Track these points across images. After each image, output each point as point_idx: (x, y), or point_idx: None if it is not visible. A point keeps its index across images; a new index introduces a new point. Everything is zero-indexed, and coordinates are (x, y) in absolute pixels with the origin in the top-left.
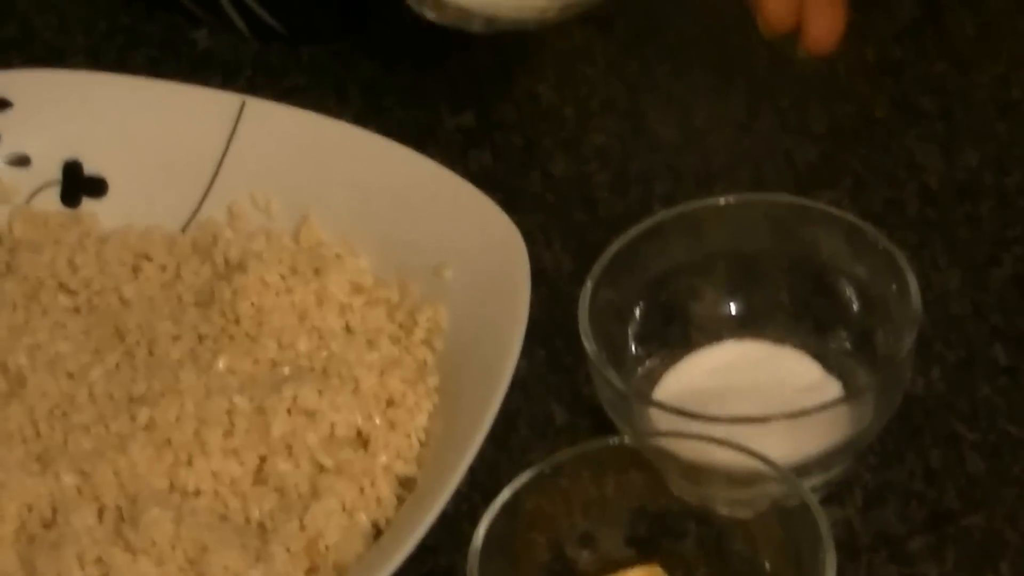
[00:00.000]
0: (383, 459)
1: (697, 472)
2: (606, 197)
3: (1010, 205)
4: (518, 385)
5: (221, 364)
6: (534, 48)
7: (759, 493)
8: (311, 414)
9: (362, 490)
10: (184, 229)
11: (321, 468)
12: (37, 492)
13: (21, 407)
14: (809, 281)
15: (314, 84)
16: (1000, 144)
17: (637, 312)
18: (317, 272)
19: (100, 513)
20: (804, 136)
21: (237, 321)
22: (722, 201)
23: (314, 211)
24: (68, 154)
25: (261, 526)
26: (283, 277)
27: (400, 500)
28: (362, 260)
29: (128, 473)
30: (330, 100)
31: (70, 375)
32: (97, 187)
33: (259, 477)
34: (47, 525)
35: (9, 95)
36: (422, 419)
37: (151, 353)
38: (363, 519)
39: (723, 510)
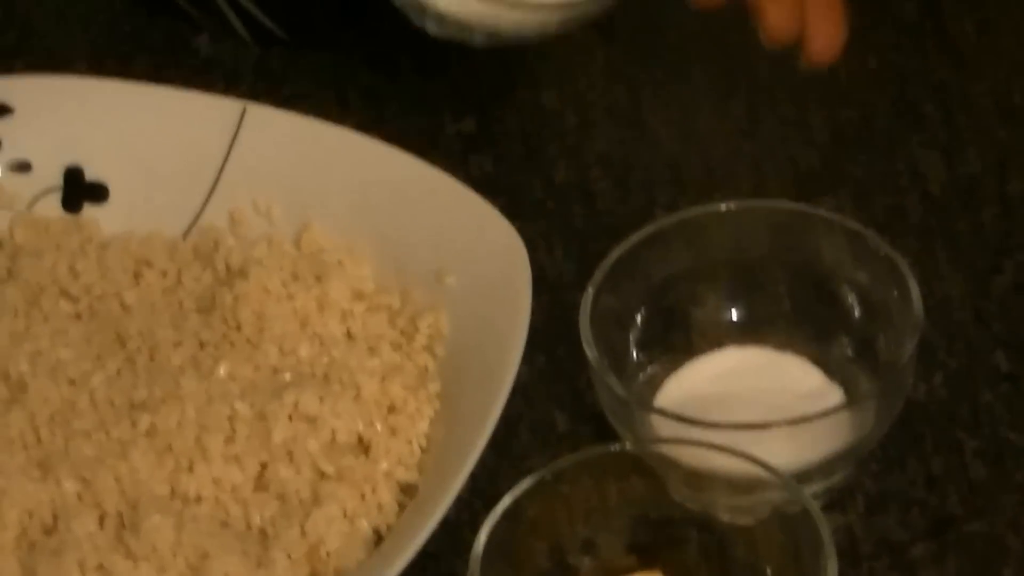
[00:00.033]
0: (384, 465)
1: (699, 479)
2: (608, 203)
3: (1012, 212)
4: (519, 391)
5: (222, 370)
6: (536, 55)
7: (760, 500)
8: (312, 420)
9: (363, 496)
10: (185, 235)
11: (322, 474)
12: (38, 498)
13: (22, 413)
14: (811, 287)
15: (316, 90)
16: (1002, 151)
17: (638, 318)
18: (318, 278)
19: (101, 520)
20: (806, 142)
21: (238, 327)
22: (723, 207)
23: (315, 217)
24: (69, 160)
25: (262, 532)
26: (284, 283)
27: (401, 506)
28: (363, 266)
29: (129, 479)
30: (332, 106)
31: (71, 381)
32: (98, 193)
33: (260, 483)
34: (48, 532)
35: (10, 101)
36: (423, 425)
37: (152, 359)
38: (364, 525)
39: (725, 517)
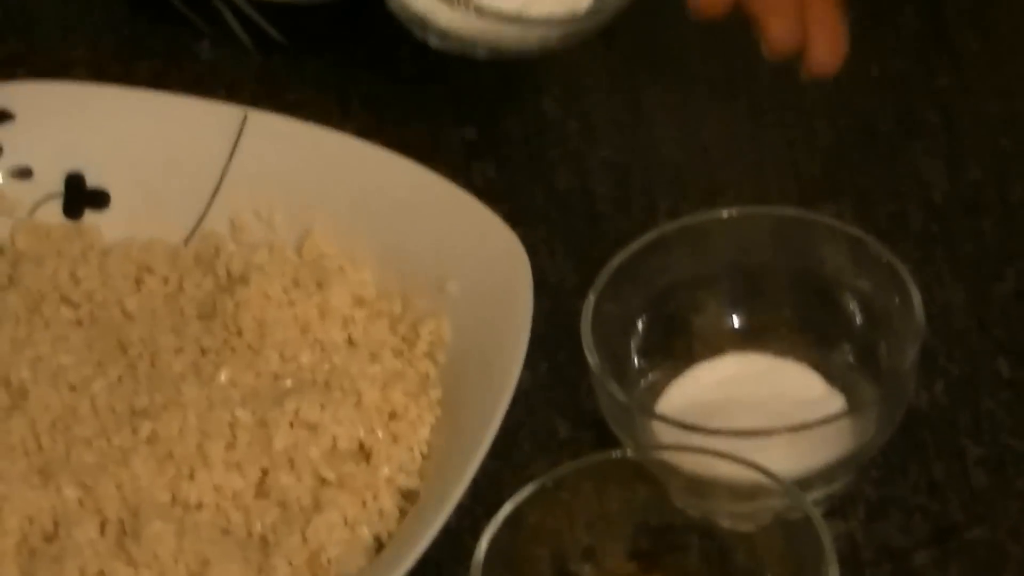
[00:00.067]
0: (385, 472)
1: (700, 485)
2: (609, 210)
3: (1014, 219)
4: (521, 398)
5: (223, 377)
6: (538, 62)
7: (762, 506)
8: (313, 427)
9: (364, 503)
10: (187, 242)
11: (323, 481)
12: (39, 505)
13: (23, 420)
14: (812, 294)
15: (317, 97)
16: (1004, 158)
17: (640, 325)
18: (320, 285)
19: (102, 526)
20: (808, 149)
21: (239, 334)
22: (725, 214)
23: (317, 224)
24: (70, 166)
25: (263, 539)
26: (285, 290)
27: (402, 513)
28: (365, 273)
29: (130, 486)
30: (333, 113)
31: (72, 388)
32: (99, 199)
33: (261, 490)
34: (49, 538)
35: (12, 107)
36: (424, 432)
37: (153, 366)
38: (365, 532)
39: (726, 523)
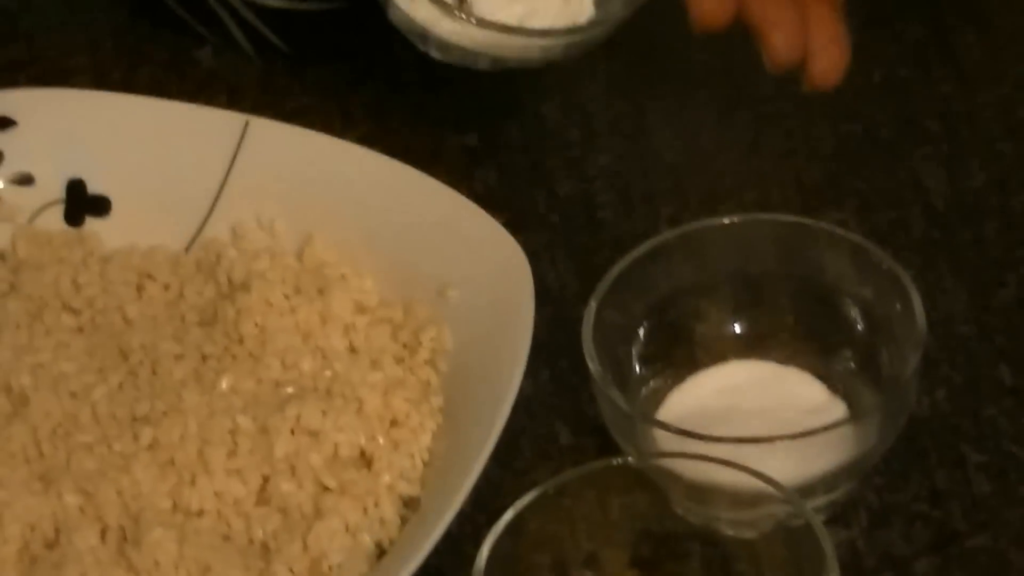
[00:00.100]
0: (386, 479)
1: (701, 493)
2: (611, 217)
3: (1015, 226)
4: (522, 405)
5: (224, 384)
6: (539, 69)
7: (764, 514)
8: (314, 434)
9: (365, 510)
10: (188, 248)
11: (324, 488)
12: (40, 512)
13: (24, 427)
14: (814, 301)
15: (319, 104)
16: (1006, 165)
17: (641, 332)
18: (321, 292)
19: (103, 533)
20: (809, 156)
21: (241, 341)
22: (726, 221)
23: (318, 231)
24: (72, 173)
25: (264, 547)
26: (287, 297)
27: (403, 520)
28: (366, 280)
29: (131, 493)
30: (335, 120)
31: (73, 395)
32: (101, 206)
33: (262, 497)
34: (50, 545)
35: (13, 114)
36: (426, 439)
37: (154, 373)
38: (366, 539)
39: (728, 531)
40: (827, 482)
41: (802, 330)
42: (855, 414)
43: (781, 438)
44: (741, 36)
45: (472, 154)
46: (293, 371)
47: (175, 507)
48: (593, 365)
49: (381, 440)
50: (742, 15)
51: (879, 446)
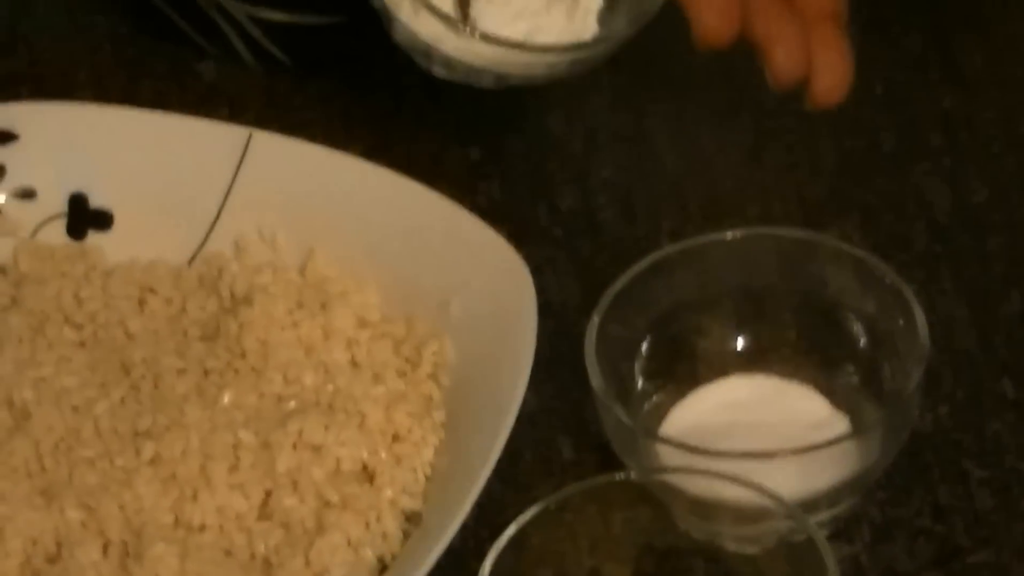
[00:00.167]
0: (389, 494)
1: (704, 508)
2: (614, 230)
3: (1018, 240)
4: (525, 419)
5: (226, 398)
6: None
7: (766, 529)
8: (317, 448)
9: (367, 525)
10: (190, 263)
11: (326, 503)
12: (42, 526)
13: (26, 441)
14: (816, 316)
15: (321, 117)
16: (1009, 178)
17: (644, 347)
18: (323, 306)
19: (105, 548)
20: (812, 170)
21: (243, 355)
22: (729, 235)
23: (321, 245)
24: (74, 187)
25: (266, 561)
26: (289, 311)
27: (406, 535)
28: (368, 294)
29: (133, 508)
30: (337, 133)
31: (75, 409)
32: (103, 220)
33: (264, 512)
34: (51, 560)
35: (15, 128)
36: (428, 454)
37: (156, 387)
38: (368, 554)
39: (730, 546)
40: (830, 497)
41: (804, 345)
42: (858, 429)
43: (784, 453)
44: (744, 51)
45: (475, 167)
46: (295, 385)
47: (177, 522)
48: (595, 380)
49: (383, 454)
50: (745, 32)
51: (882, 461)
